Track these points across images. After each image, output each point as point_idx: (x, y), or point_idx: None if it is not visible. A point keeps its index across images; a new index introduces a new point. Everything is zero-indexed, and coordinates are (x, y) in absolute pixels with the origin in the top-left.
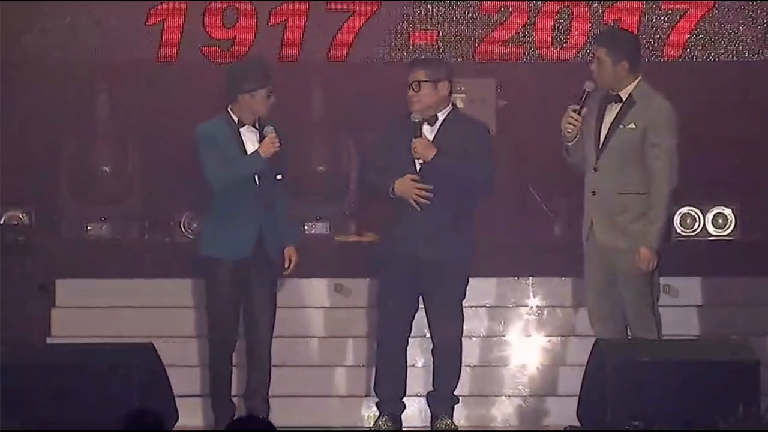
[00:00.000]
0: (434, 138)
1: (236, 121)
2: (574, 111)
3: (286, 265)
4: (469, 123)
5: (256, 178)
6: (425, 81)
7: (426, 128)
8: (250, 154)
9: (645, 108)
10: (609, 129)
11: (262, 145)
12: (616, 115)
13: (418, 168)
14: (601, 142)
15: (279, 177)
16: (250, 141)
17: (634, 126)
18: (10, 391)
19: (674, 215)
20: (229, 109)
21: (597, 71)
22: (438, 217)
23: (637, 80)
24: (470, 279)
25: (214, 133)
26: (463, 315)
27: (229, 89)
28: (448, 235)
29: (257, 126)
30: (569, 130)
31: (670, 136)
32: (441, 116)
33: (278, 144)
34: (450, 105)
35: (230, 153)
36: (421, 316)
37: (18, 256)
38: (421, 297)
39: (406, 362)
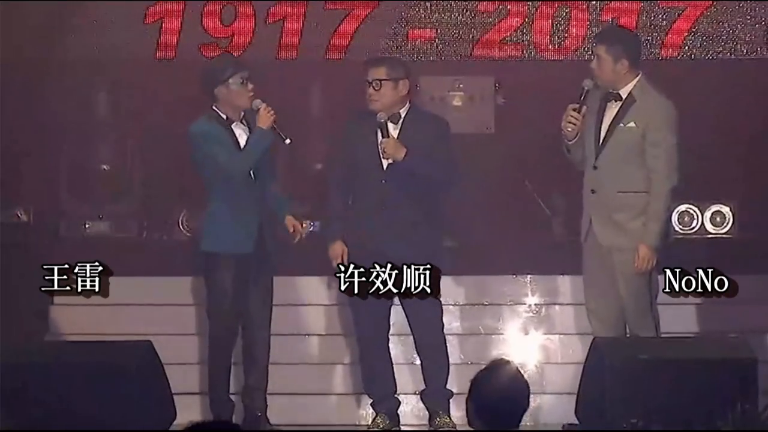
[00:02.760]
0: (398, 135)
1: (225, 118)
2: (574, 110)
3: (292, 231)
4: (430, 119)
5: (252, 173)
6: (385, 80)
7: (389, 126)
8: (255, 131)
9: (645, 106)
10: (609, 127)
11: (260, 119)
12: (616, 114)
13: (385, 167)
14: (600, 141)
15: (288, 141)
16: (241, 138)
17: (633, 124)
18: (8, 390)
19: (672, 213)
20: (214, 107)
21: (597, 69)
22: (405, 216)
23: (637, 78)
24: (468, 277)
25: (209, 129)
26: (441, 308)
27: (205, 86)
28: (415, 233)
29: (244, 122)
30: (569, 129)
31: (670, 135)
32: (402, 113)
33: (273, 112)
34: (408, 102)
35: (233, 147)
36: None
37: (16, 254)
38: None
39: (390, 358)
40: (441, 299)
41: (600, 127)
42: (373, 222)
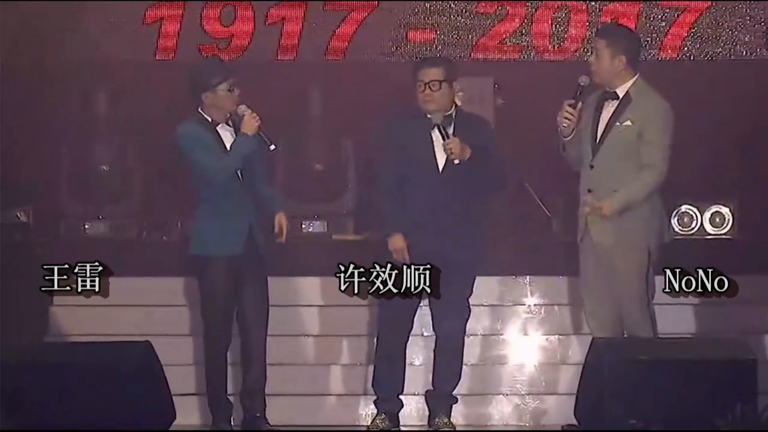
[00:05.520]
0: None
1: (210, 121)
2: (570, 105)
3: (277, 231)
4: (476, 121)
5: (239, 173)
6: (444, 81)
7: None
8: (237, 137)
9: (641, 106)
10: (605, 126)
11: (244, 125)
12: (613, 113)
13: (440, 168)
14: (597, 140)
15: (273, 147)
16: (227, 140)
17: (630, 123)
18: (8, 390)
19: (672, 213)
20: (200, 110)
21: (595, 63)
22: (457, 216)
23: (635, 78)
24: None
25: (198, 133)
26: (469, 312)
27: (192, 90)
28: (464, 233)
29: (230, 123)
30: (564, 125)
31: (664, 135)
32: (453, 115)
33: (258, 118)
34: (454, 104)
35: (218, 151)
36: (420, 314)
37: (16, 254)
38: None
39: (405, 359)
40: (467, 302)
41: (597, 127)
42: (427, 222)
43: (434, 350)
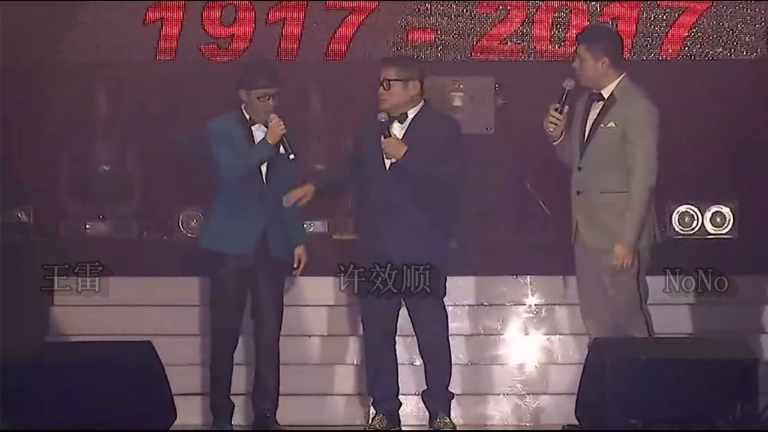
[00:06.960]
0: (404, 136)
1: (248, 119)
2: (555, 110)
3: (295, 265)
4: (440, 121)
5: (264, 177)
6: (395, 80)
7: (396, 126)
8: (258, 142)
9: (625, 106)
10: (591, 128)
11: (269, 132)
12: (598, 114)
13: (387, 167)
14: (584, 141)
15: (292, 157)
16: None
17: (613, 125)
18: (9, 390)
19: (672, 213)
20: (242, 108)
21: (579, 69)
22: (409, 217)
23: (620, 78)
24: (470, 278)
25: (227, 129)
26: (446, 312)
27: (242, 84)
28: (420, 235)
29: (267, 126)
30: (551, 129)
31: (648, 135)
32: (411, 114)
33: (284, 127)
34: (422, 103)
35: (242, 150)
36: None
37: (16, 254)
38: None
39: (395, 360)
40: (445, 301)
41: (585, 128)
42: (375, 221)
43: (419, 351)
